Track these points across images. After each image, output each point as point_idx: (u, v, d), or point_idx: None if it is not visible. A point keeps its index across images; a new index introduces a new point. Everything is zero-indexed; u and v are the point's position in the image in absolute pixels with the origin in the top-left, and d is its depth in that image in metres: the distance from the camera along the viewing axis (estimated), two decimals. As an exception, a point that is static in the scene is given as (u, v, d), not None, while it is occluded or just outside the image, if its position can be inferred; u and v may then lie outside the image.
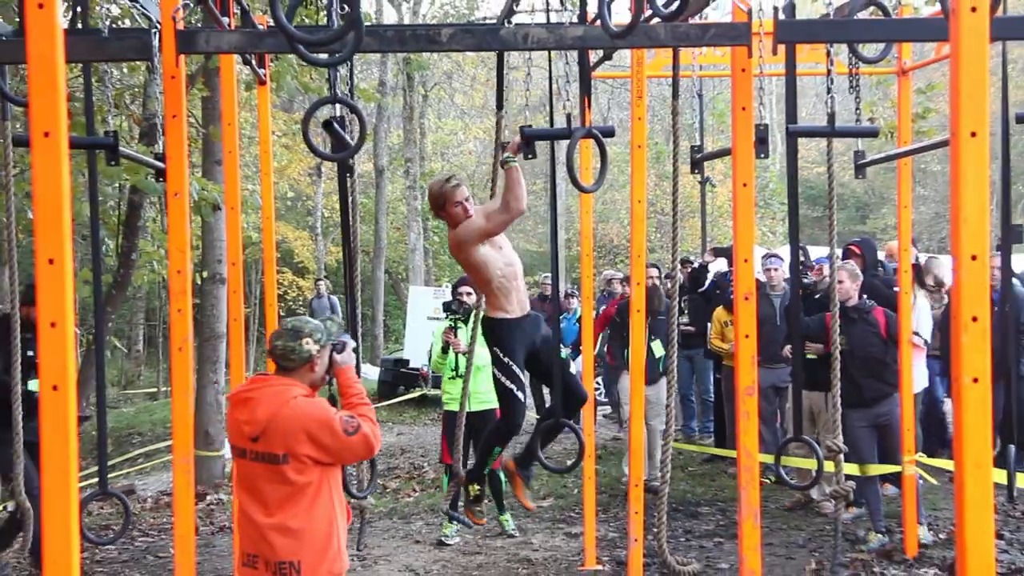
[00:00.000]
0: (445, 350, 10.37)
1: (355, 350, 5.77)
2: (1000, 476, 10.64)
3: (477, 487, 7.63)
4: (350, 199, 7.51)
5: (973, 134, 3.51)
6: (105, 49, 5.58)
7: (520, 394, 7.05)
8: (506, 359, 7.02)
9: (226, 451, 13.36)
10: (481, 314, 7.39)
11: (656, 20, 5.27)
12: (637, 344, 7.90)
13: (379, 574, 9.55)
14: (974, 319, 3.49)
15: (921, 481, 9.85)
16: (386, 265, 34.80)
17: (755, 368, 5.83)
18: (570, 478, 12.09)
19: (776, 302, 12.02)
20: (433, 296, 22.11)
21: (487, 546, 10.36)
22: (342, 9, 4.94)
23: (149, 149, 12.21)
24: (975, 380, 3.49)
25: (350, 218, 7.50)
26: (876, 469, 9.88)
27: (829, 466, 7.33)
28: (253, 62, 8.03)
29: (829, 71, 6.89)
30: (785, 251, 12.35)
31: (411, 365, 21.54)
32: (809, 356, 10.08)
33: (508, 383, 7.00)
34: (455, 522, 10.01)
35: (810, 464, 9.60)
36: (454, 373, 10.33)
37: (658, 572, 8.49)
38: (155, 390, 29.87)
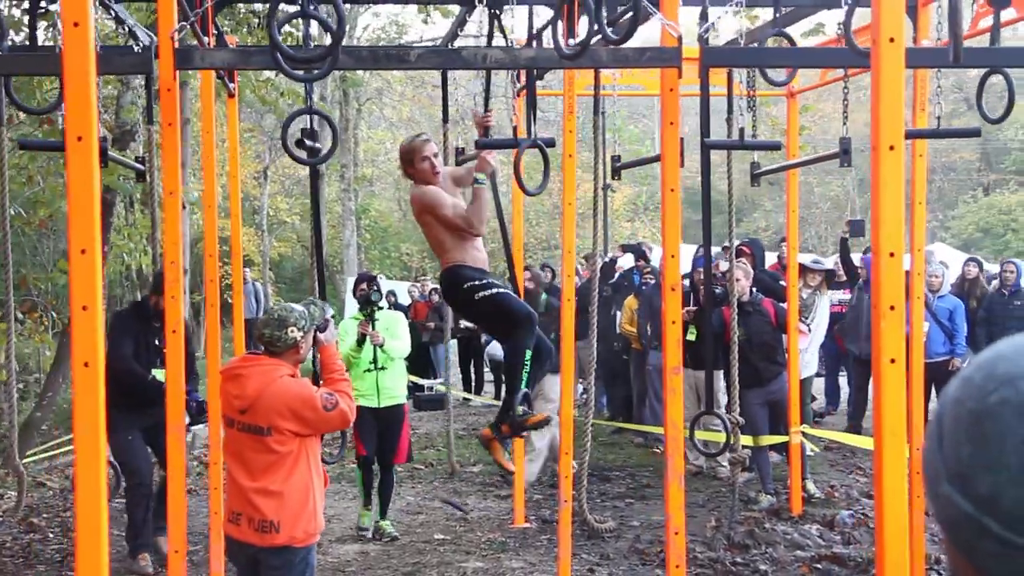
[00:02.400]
0: (361, 342, 9.23)
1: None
2: (860, 441, 10.90)
3: (521, 409, 6.21)
4: (318, 203, 7.40)
5: (891, 148, 3.58)
6: (111, 64, 5.52)
7: (506, 291, 6.38)
8: (480, 281, 6.22)
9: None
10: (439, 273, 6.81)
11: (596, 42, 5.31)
12: (567, 332, 7.87)
13: (332, 530, 9.51)
14: (892, 308, 3.57)
15: (809, 451, 10.05)
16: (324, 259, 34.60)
17: (679, 350, 5.85)
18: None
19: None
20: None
21: (427, 507, 10.37)
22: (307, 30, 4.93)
23: (122, 153, 12.06)
24: (892, 361, 3.56)
25: (317, 219, 7.48)
26: (767, 440, 10.05)
27: (753, 440, 7.38)
28: (225, 77, 7.98)
29: (730, 92, 7.02)
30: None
31: None
32: (688, 338, 10.28)
33: (492, 290, 6.20)
34: (368, 509, 9.58)
35: (711, 436, 9.71)
36: (371, 366, 9.20)
37: (579, 529, 8.54)
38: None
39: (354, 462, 10.18)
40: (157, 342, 8.00)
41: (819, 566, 8.32)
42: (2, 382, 7.84)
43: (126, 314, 8.99)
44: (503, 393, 7.10)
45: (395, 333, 9.41)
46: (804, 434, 9.77)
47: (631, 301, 13.06)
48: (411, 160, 6.37)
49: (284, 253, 36.25)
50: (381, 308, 9.49)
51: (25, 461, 8.88)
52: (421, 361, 17.82)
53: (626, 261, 15.25)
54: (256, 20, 13.56)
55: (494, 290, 6.24)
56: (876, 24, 3.58)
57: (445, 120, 7.97)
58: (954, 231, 41.13)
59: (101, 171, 10.58)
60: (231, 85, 8.27)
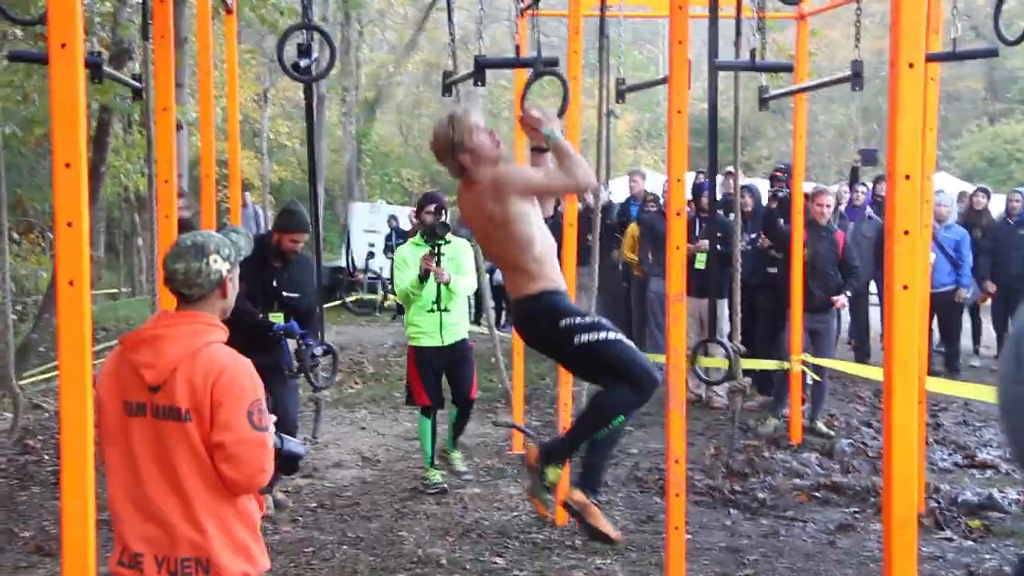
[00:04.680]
0: (424, 279, 8.03)
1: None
2: (861, 370, 10.86)
3: (559, 470, 5.04)
4: (313, 124, 7.21)
5: (911, 65, 3.44)
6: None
7: (620, 336, 4.91)
8: (578, 319, 4.91)
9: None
10: (512, 298, 5.18)
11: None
12: (569, 258, 7.71)
13: (329, 455, 9.48)
14: (906, 232, 3.46)
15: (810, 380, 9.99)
16: (324, 184, 34.57)
17: (683, 277, 5.74)
18: (494, 372, 12.04)
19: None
20: (369, 211, 21.98)
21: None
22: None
23: (119, 72, 11.91)
24: (905, 287, 3.46)
25: (312, 141, 7.28)
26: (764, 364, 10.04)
27: (753, 364, 7.30)
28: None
29: (739, 13, 6.84)
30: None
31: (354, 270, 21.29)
32: (697, 266, 10.23)
33: (601, 335, 4.83)
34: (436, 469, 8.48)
35: (715, 363, 9.60)
36: (434, 306, 8.16)
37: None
38: (116, 291, 29.37)
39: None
40: (275, 283, 7.54)
41: (818, 494, 8.29)
42: (-1, 303, 7.74)
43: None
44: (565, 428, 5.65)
45: (461, 267, 8.29)
46: (805, 363, 9.68)
47: (633, 228, 12.94)
48: (460, 142, 4.92)
49: (284, 177, 36.04)
50: (448, 242, 8.25)
51: (22, 383, 8.83)
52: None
53: (619, 194, 15.24)
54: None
55: (604, 334, 4.85)
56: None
57: (452, 38, 7.76)
58: (957, 161, 40.83)
59: (97, 88, 10.49)
60: (229, 1, 8.10)
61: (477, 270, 8.65)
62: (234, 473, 3.51)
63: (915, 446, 3.57)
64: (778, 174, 11.28)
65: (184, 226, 8.69)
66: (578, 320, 4.87)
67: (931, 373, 8.14)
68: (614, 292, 13.43)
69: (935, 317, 11.58)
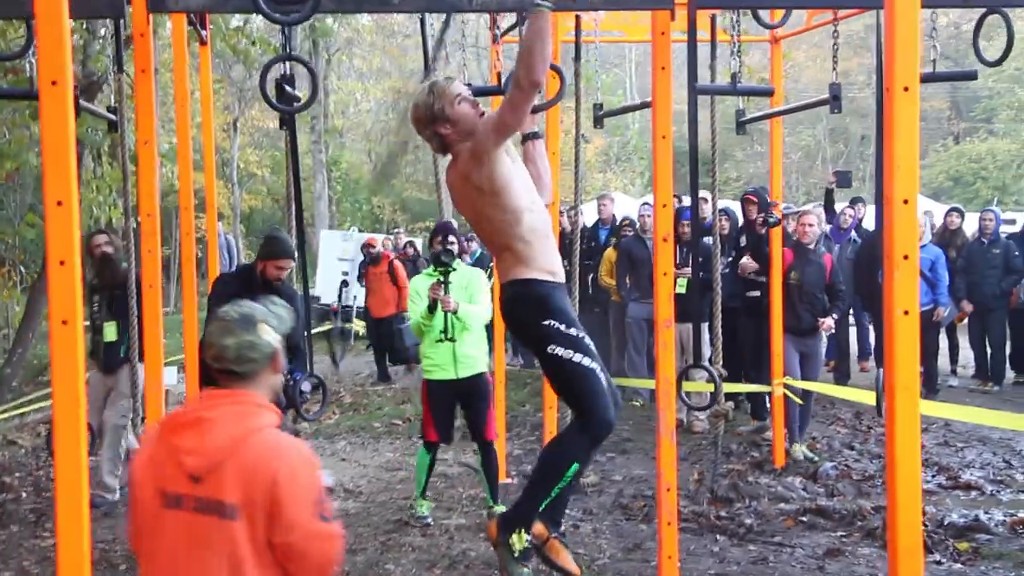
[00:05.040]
0: (432, 308, 7.72)
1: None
2: (844, 392, 10.89)
3: (526, 536, 4.77)
4: (296, 152, 7.08)
5: (906, 89, 3.44)
6: (82, 7, 5.27)
7: (594, 365, 4.68)
8: (563, 326, 4.67)
9: (168, 375, 12.79)
10: (498, 280, 5.00)
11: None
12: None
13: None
14: (905, 257, 3.45)
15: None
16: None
17: (671, 303, 5.71)
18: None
19: (650, 245, 12.11)
20: (342, 239, 21.87)
21: (406, 463, 10.23)
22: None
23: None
24: (905, 312, 3.44)
25: (295, 168, 7.15)
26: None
27: (740, 387, 7.27)
28: (197, 24, 7.74)
29: (714, 37, 6.86)
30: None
31: (322, 301, 21.11)
32: (678, 291, 10.23)
33: (575, 357, 4.63)
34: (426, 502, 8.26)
35: (699, 387, 9.57)
36: (442, 336, 7.76)
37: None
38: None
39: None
40: None
41: (804, 519, 8.26)
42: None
43: (229, 277, 8.20)
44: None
45: (473, 296, 7.91)
46: (787, 386, 9.68)
47: (610, 253, 13.00)
48: (441, 111, 4.72)
49: (254, 206, 35.95)
50: (454, 269, 7.85)
51: (-6, 418, 8.72)
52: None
53: (588, 218, 15.36)
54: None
55: (578, 357, 4.64)
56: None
57: (426, 67, 7.75)
58: (924, 180, 41.11)
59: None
60: (203, 32, 8.04)
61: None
62: (304, 571, 3.23)
63: (919, 472, 3.54)
64: (751, 198, 11.30)
65: (107, 262, 8.53)
66: (562, 328, 4.65)
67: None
68: (587, 315, 13.45)
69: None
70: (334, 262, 21.17)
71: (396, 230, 23.19)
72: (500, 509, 7.82)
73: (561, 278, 4.87)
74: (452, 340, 7.75)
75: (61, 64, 3.19)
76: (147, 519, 3.24)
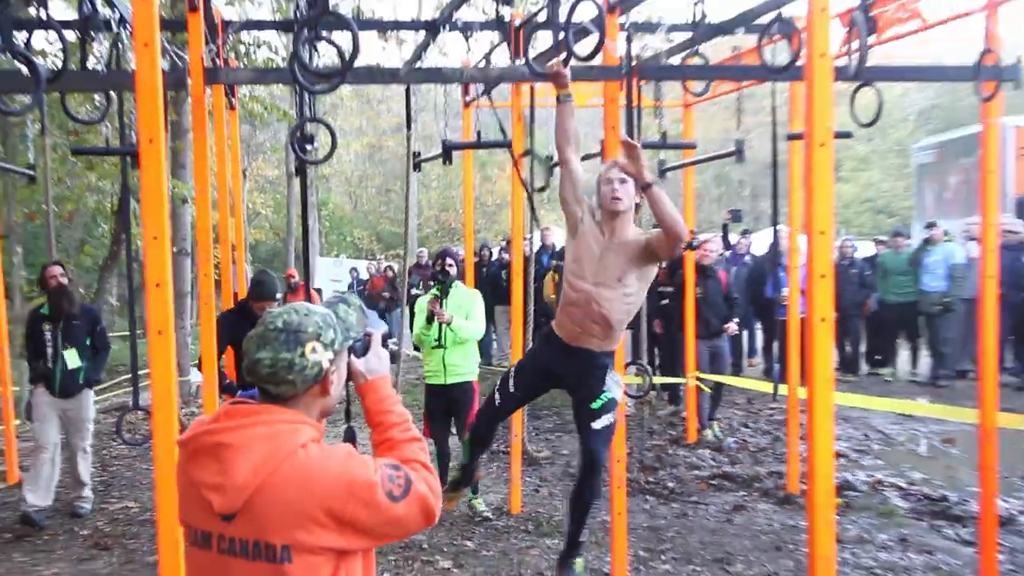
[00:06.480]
0: (430, 320, 7.37)
1: (388, 340, 2.57)
2: (741, 382, 10.95)
3: (581, 558, 4.95)
4: (306, 194, 6.93)
5: (822, 144, 3.48)
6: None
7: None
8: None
9: (194, 375, 12.59)
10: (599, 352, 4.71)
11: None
12: (515, 300, 7.68)
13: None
14: (822, 276, 3.49)
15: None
16: (295, 243, 34.35)
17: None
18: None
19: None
20: (333, 265, 21.75)
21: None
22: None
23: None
24: (823, 320, 3.49)
25: (305, 207, 6.99)
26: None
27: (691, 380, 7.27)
28: (229, 95, 7.69)
29: (639, 103, 6.87)
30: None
31: None
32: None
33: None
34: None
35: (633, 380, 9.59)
36: (436, 343, 7.38)
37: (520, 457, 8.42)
38: (126, 333, 28.65)
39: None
40: None
41: (713, 482, 8.33)
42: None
43: (228, 315, 7.29)
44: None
45: (468, 313, 7.49)
46: (698, 378, 9.76)
47: (552, 275, 13.08)
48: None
49: (259, 239, 35.63)
50: (451, 287, 7.50)
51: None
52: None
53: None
54: (242, 45, 13.20)
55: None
56: (810, 42, 3.47)
57: (408, 127, 7.64)
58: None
59: (117, 170, 10.23)
60: (233, 99, 8.00)
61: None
62: (409, 535, 2.35)
63: (831, 445, 3.58)
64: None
65: (63, 292, 7.65)
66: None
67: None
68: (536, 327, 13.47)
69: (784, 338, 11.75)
70: (328, 283, 21.05)
71: (378, 257, 23.10)
72: (479, 502, 7.61)
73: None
74: (444, 348, 7.37)
75: (156, 127, 3.16)
76: (191, 556, 2.32)
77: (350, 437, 5.77)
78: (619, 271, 4.50)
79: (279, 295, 7.16)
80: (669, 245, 4.34)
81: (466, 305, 7.51)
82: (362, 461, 2.21)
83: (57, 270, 7.81)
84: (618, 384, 4.69)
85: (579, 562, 4.90)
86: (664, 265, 10.59)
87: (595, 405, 4.62)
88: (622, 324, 4.63)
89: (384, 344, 2.38)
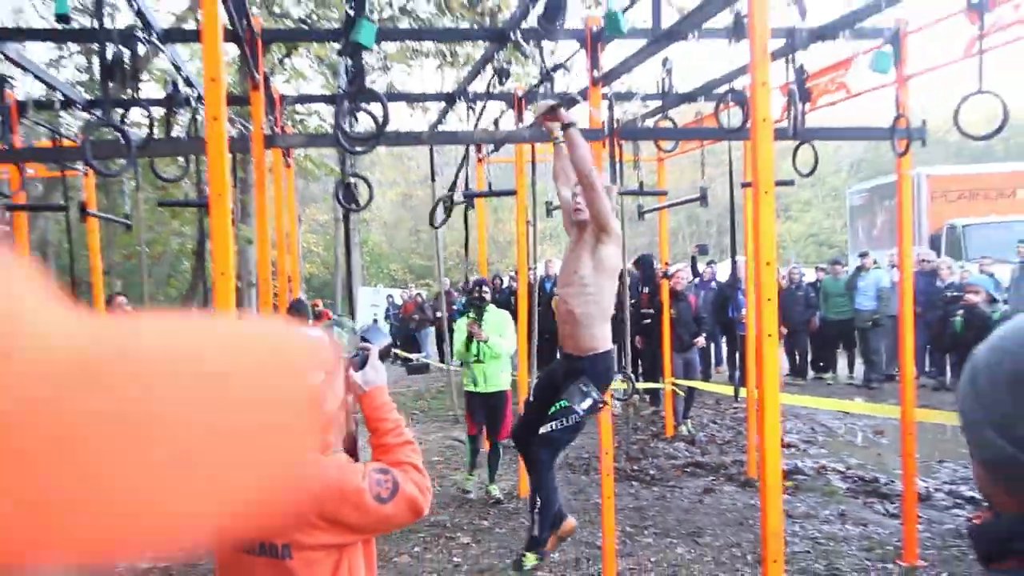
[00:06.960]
0: (469, 340, 7.28)
1: (388, 351, 2.39)
2: (709, 387, 10.89)
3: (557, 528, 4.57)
4: (349, 235, 6.99)
5: (766, 192, 3.50)
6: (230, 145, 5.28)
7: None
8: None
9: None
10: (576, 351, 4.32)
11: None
12: (522, 323, 7.68)
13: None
14: (768, 299, 3.49)
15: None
16: (342, 275, 34.48)
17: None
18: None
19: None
20: (373, 293, 21.74)
21: (422, 439, 10.14)
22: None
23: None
24: (770, 335, 3.49)
25: (348, 247, 7.05)
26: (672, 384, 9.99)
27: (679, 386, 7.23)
28: (285, 155, 7.74)
29: (616, 158, 6.90)
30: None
31: None
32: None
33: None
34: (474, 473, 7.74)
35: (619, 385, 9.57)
36: (476, 359, 7.29)
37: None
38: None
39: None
40: None
41: (687, 470, 8.28)
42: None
43: None
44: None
45: (501, 332, 7.34)
46: (674, 384, 9.73)
47: (555, 300, 13.02)
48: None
49: (312, 272, 35.74)
50: (487, 310, 7.34)
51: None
52: (410, 341, 17.64)
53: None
54: (297, 115, 13.31)
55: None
56: (753, 108, 3.49)
57: (432, 179, 7.71)
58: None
59: (196, 216, 10.30)
60: (289, 159, 8.05)
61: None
62: (400, 527, 2.28)
63: (779, 438, 3.57)
64: (638, 262, 11.37)
65: None
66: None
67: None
68: (540, 347, 13.44)
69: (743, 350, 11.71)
70: (368, 308, 21.02)
71: (410, 286, 23.10)
72: (494, 488, 7.48)
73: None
74: (481, 362, 7.29)
75: (223, 184, 3.19)
76: (223, 557, 2.21)
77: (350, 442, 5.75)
78: (576, 264, 4.19)
79: (310, 319, 7.19)
80: (584, 190, 3.92)
81: (499, 325, 7.39)
82: (352, 469, 2.12)
83: (121, 300, 7.98)
84: (584, 393, 4.13)
85: (530, 556, 4.45)
86: (646, 290, 10.63)
87: (551, 410, 4.17)
88: (589, 319, 4.15)
89: (383, 358, 2.33)
